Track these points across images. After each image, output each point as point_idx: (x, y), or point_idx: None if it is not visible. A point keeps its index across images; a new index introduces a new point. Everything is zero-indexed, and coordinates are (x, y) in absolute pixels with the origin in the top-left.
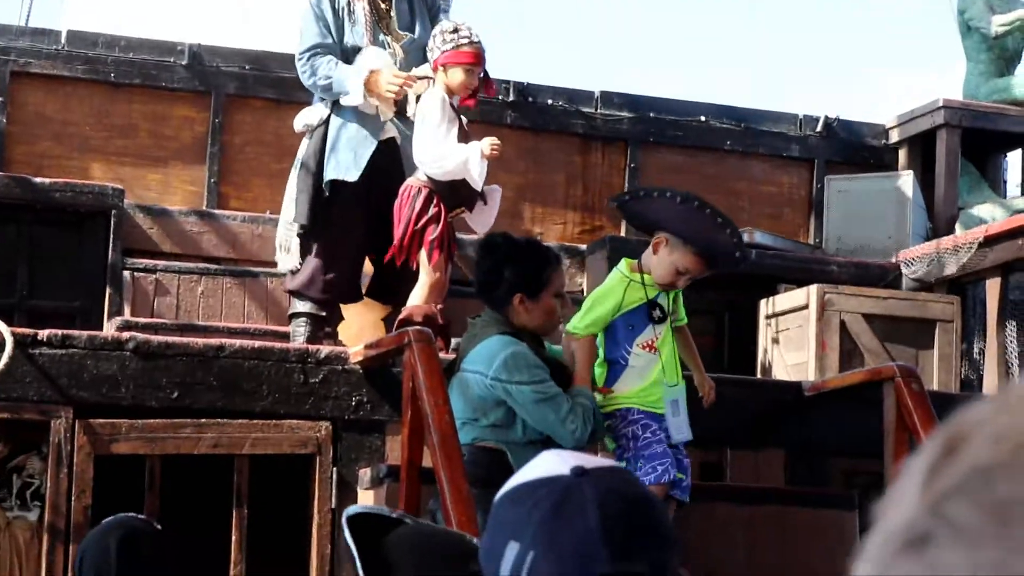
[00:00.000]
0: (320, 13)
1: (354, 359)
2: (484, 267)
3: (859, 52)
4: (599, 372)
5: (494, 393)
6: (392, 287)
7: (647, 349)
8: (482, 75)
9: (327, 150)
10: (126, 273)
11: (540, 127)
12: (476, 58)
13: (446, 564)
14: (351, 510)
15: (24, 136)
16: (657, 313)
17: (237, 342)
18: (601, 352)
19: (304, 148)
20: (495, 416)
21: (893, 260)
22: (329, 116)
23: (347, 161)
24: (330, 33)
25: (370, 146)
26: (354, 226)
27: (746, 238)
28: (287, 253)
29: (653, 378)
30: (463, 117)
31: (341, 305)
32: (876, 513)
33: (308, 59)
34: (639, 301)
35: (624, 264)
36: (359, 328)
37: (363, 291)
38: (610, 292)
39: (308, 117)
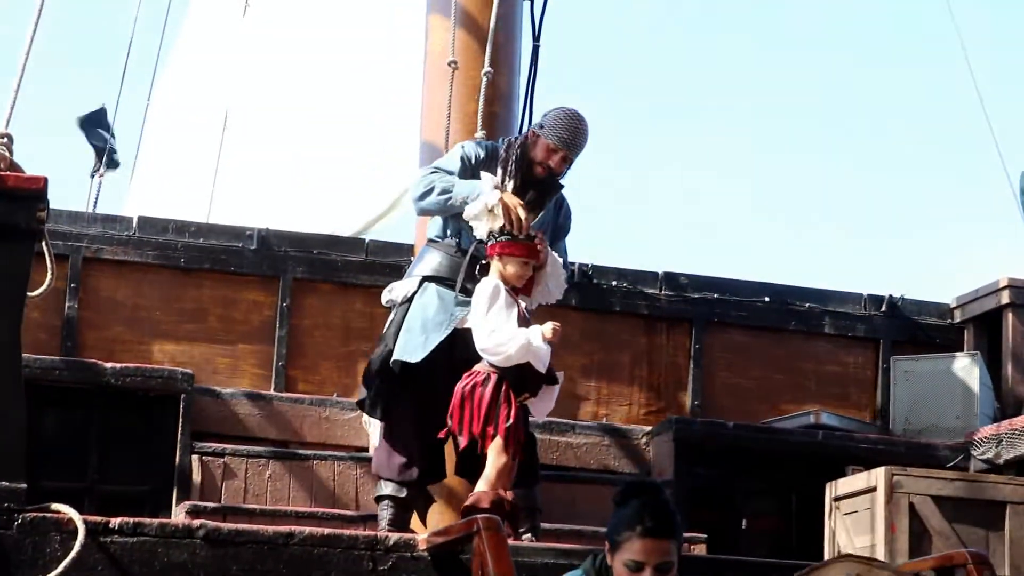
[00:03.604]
0: (465, 158)
1: (423, 546)
2: None
3: (923, 229)
4: None
5: None
6: (476, 467)
7: None
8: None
9: (403, 328)
10: (195, 457)
11: (605, 308)
12: (530, 252)
13: None
14: None
15: (96, 321)
16: None
17: (306, 529)
18: None
19: (387, 324)
20: None
21: (961, 441)
22: (414, 293)
23: (416, 342)
24: (462, 176)
25: (444, 331)
26: (427, 407)
27: (812, 419)
28: (371, 430)
29: None
30: (521, 302)
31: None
32: None
33: (430, 174)
34: None
35: None
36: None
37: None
38: None
39: (394, 292)
